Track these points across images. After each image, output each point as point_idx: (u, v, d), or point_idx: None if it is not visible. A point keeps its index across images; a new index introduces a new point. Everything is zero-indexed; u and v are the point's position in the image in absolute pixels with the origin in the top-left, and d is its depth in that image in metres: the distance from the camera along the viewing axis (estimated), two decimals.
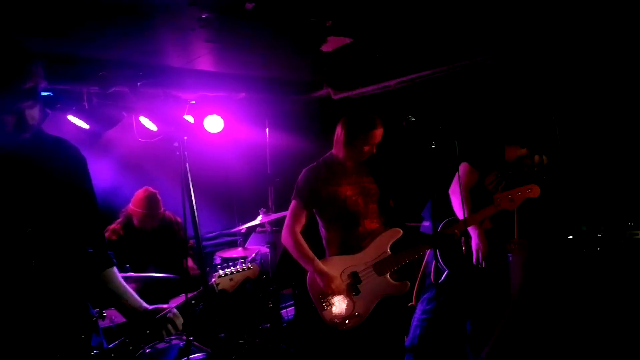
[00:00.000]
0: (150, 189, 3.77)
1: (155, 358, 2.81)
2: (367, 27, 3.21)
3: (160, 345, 2.89)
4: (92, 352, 1.59)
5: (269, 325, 3.77)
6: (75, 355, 1.55)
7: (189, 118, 4.26)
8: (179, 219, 3.89)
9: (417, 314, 3.19)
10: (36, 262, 1.50)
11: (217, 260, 3.99)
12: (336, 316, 2.63)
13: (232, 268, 2.00)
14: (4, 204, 1.47)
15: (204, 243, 4.78)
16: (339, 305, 2.64)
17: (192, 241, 3.66)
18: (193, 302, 1.84)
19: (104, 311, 1.74)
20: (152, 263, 3.53)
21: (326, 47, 3.55)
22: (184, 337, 2.94)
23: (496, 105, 3.83)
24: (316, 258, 2.73)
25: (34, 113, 1.47)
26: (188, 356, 2.71)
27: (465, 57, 3.73)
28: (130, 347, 1.66)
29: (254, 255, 3.88)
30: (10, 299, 1.47)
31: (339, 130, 2.82)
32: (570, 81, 3.49)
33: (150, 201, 3.71)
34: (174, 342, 2.92)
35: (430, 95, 4.19)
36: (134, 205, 3.73)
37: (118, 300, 1.75)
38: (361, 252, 2.72)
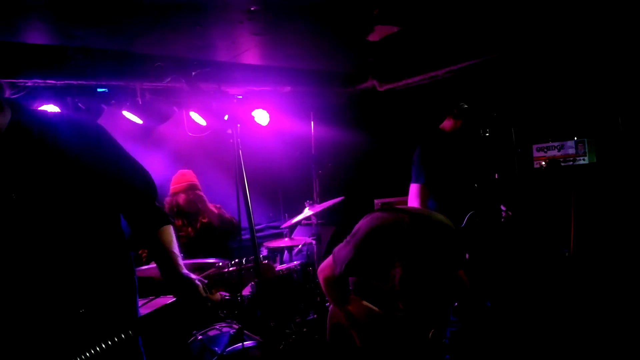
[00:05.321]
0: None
1: (207, 345, 2.88)
2: (414, 15, 3.15)
3: (212, 333, 2.96)
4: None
5: (315, 316, 3.78)
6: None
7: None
8: (225, 215, 3.95)
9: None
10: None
11: (264, 252, 4.03)
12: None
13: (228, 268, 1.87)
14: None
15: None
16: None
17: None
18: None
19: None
20: (202, 252, 3.62)
21: (373, 37, 3.51)
22: (235, 325, 3.00)
23: (550, 94, 3.67)
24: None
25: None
26: (242, 342, 2.74)
27: (516, 43, 3.60)
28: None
29: (300, 246, 3.90)
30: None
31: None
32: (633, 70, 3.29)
33: (185, 173, 3.84)
34: (225, 329, 2.98)
35: (479, 84, 4.06)
36: (173, 185, 3.82)
37: (161, 258, 1.73)
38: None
